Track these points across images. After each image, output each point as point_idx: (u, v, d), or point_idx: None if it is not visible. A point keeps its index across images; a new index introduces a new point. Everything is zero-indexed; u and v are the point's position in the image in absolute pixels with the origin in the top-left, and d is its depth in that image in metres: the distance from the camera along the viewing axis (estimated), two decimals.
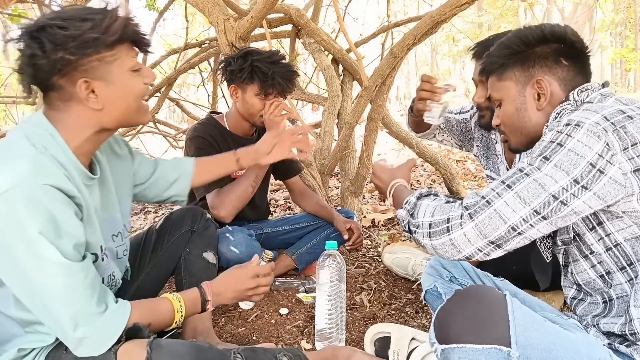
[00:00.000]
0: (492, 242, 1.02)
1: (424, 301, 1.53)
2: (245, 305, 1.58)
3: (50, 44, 1.05)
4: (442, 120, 1.80)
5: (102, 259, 1.22)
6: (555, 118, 1.14)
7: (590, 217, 1.05)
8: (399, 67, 2.54)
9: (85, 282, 1.05)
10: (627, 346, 1.02)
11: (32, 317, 1.09)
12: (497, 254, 1.05)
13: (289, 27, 3.40)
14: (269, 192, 4.02)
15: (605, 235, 1.05)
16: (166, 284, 1.91)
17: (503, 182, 1.03)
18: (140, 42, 1.18)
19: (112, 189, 1.32)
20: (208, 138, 2.03)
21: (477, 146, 2.08)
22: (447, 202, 1.12)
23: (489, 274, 1.47)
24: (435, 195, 1.19)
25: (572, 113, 1.06)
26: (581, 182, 0.96)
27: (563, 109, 1.14)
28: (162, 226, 1.63)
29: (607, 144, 0.96)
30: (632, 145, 0.97)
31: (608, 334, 1.07)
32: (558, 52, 1.15)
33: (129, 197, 1.42)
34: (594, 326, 1.11)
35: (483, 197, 1.04)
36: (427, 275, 1.54)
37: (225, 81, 2.09)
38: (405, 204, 1.18)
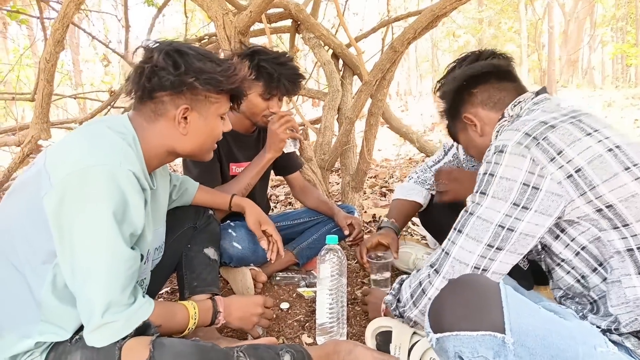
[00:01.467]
0: None
1: None
2: (251, 338, 1.58)
3: (185, 68, 1.20)
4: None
5: (145, 262, 1.29)
6: (496, 137, 1.24)
7: (552, 227, 1.07)
8: (399, 61, 2.53)
9: (128, 271, 1.10)
10: (618, 335, 1.03)
11: (57, 305, 1.10)
12: None
13: (288, 23, 3.38)
14: (269, 188, 4.02)
15: (571, 241, 1.07)
16: (167, 281, 1.92)
17: (455, 228, 1.10)
18: (236, 99, 1.37)
19: (160, 203, 1.42)
20: None
21: None
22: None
23: None
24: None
25: (500, 134, 1.17)
26: (520, 203, 1.01)
27: (501, 126, 1.24)
28: (165, 223, 1.63)
29: (533, 160, 1.01)
30: (558, 154, 1.01)
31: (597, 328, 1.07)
32: (466, 87, 1.32)
33: (166, 210, 1.51)
34: (586, 319, 1.11)
35: (442, 250, 1.12)
36: None
37: None
38: (391, 290, 1.29)
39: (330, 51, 3.20)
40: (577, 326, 0.97)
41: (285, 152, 1.91)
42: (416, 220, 2.69)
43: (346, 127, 2.75)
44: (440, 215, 2.07)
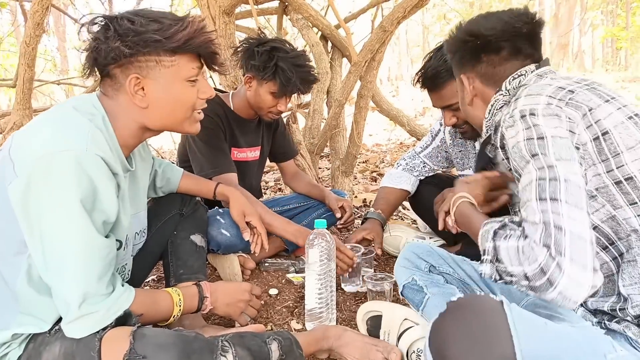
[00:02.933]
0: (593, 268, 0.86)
1: (401, 296, 1.41)
2: (238, 326, 1.54)
3: (114, 33, 1.08)
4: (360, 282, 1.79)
5: (124, 249, 1.23)
6: (490, 111, 1.20)
7: None
8: (388, 41, 2.48)
9: (104, 260, 1.05)
10: (618, 322, 0.99)
11: (34, 296, 1.06)
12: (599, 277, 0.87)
13: (276, 4, 3.31)
14: None
15: None
16: (152, 269, 1.88)
17: (541, 198, 0.90)
18: (207, 58, 1.21)
19: (140, 186, 1.35)
20: (215, 117, 1.99)
21: (454, 158, 2.03)
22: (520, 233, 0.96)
23: (466, 258, 1.40)
24: (503, 225, 1.01)
25: (516, 102, 1.05)
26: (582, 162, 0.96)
27: (495, 100, 1.18)
28: (151, 209, 1.58)
29: (569, 118, 0.97)
30: (589, 111, 0.98)
31: (595, 312, 1.04)
32: (475, 49, 1.19)
33: (146, 193, 1.45)
34: (582, 305, 1.07)
35: (546, 225, 0.88)
36: (401, 268, 1.41)
37: (241, 68, 2.03)
38: (484, 254, 1.00)
39: (319, 33, 3.13)
40: (583, 335, 0.92)
41: (347, 291, 1.78)
42: (407, 204, 2.66)
43: (335, 110, 2.70)
44: (430, 199, 2.03)
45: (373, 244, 1.96)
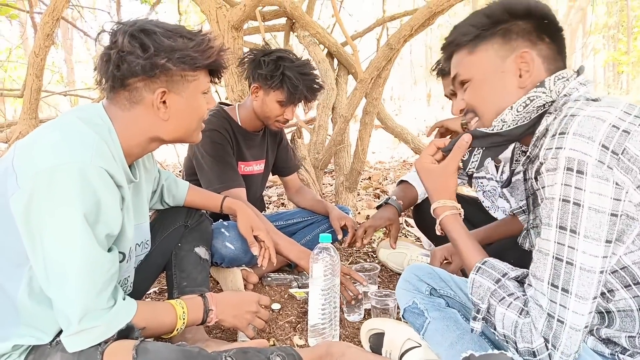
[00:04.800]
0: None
1: (402, 319, 1.38)
2: (244, 338, 1.51)
3: (154, 49, 1.09)
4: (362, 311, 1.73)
5: (127, 261, 1.22)
6: (526, 106, 1.03)
7: None
8: (395, 59, 2.49)
9: (105, 275, 1.04)
10: (631, 356, 0.97)
11: (35, 308, 1.05)
12: None
13: (283, 21, 3.35)
14: None
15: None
16: (155, 280, 1.86)
17: (553, 284, 0.90)
18: (217, 72, 1.27)
19: (144, 197, 1.34)
20: (223, 132, 2.00)
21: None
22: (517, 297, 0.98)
23: (468, 279, 1.38)
24: (497, 281, 1.01)
25: (564, 139, 0.90)
26: (612, 239, 0.88)
27: (536, 96, 1.03)
28: (156, 221, 1.58)
29: (617, 184, 0.87)
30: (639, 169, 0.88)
31: (607, 342, 1.01)
32: (541, 28, 1.04)
33: (148, 203, 1.44)
34: (591, 333, 1.04)
35: (550, 315, 0.91)
36: (402, 291, 1.37)
37: (247, 78, 2.05)
38: (477, 312, 1.02)
39: (325, 50, 3.16)
40: None
41: (350, 320, 1.73)
42: (411, 221, 2.65)
43: (340, 125, 2.71)
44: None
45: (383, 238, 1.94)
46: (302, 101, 2.00)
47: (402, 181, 2.10)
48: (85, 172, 0.99)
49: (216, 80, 1.29)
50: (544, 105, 1.03)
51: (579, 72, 1.06)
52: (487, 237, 1.71)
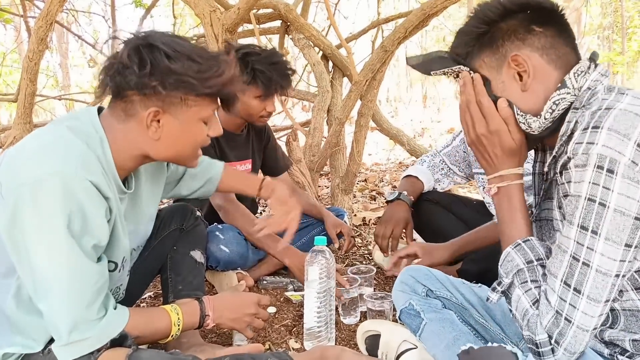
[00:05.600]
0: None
1: (399, 321, 1.38)
2: (240, 342, 1.51)
3: (150, 68, 1.04)
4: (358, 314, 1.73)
5: (119, 270, 1.20)
6: (553, 112, 0.96)
7: None
8: (389, 61, 2.50)
9: (94, 287, 1.03)
10: (630, 357, 0.96)
11: (24, 318, 1.05)
12: None
13: (278, 24, 3.35)
14: None
15: (628, 261, 0.92)
16: (150, 284, 1.85)
17: (567, 282, 0.89)
18: (226, 101, 1.19)
19: (142, 203, 1.31)
20: None
21: (472, 158, 2.04)
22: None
23: (465, 281, 1.36)
24: (529, 262, 0.97)
25: (598, 134, 0.85)
26: (633, 244, 0.86)
27: (561, 99, 0.96)
28: None
29: None
30: None
31: (608, 343, 0.99)
32: (526, 20, 0.98)
33: (156, 206, 1.41)
34: (594, 335, 1.02)
35: (559, 314, 0.90)
36: (398, 292, 1.37)
37: None
38: (499, 284, 1.00)
39: (320, 52, 3.17)
40: None
41: (347, 323, 1.73)
42: None
43: (336, 128, 2.71)
44: (430, 216, 2.04)
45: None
46: (281, 92, 1.96)
47: (407, 175, 2.11)
48: (68, 184, 0.97)
49: (226, 109, 1.23)
50: (574, 109, 0.96)
51: (593, 59, 0.99)
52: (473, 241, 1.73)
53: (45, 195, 0.95)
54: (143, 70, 1.04)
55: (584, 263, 0.87)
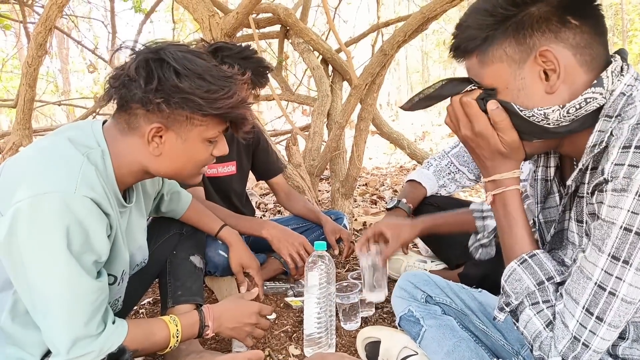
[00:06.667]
0: None
1: (398, 327, 1.37)
2: (239, 348, 1.49)
3: (156, 84, 1.02)
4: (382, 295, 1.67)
5: (118, 284, 1.19)
6: (580, 108, 0.84)
7: None
8: (388, 65, 2.49)
9: (93, 304, 1.01)
10: None
11: (20, 331, 1.03)
12: None
13: (277, 28, 3.35)
14: (257, 196, 3.95)
15: None
16: (149, 290, 1.84)
17: (589, 310, 0.83)
18: (237, 125, 1.16)
19: (143, 216, 1.31)
20: None
21: None
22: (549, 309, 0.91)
23: (465, 286, 1.35)
24: (541, 283, 0.92)
25: (636, 137, 0.78)
26: None
27: (593, 97, 0.84)
28: (150, 228, 1.55)
29: None
30: None
31: (615, 357, 0.96)
32: (562, 8, 0.83)
33: (145, 219, 1.40)
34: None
35: (576, 339, 0.85)
36: (398, 298, 1.36)
37: None
38: (506, 305, 0.95)
39: (320, 56, 3.16)
40: None
41: (347, 329, 1.70)
42: None
43: (336, 132, 2.70)
44: None
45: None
46: (253, 87, 1.91)
47: (410, 180, 2.08)
48: (68, 202, 0.95)
49: (237, 133, 1.18)
50: (607, 118, 0.85)
51: (624, 58, 0.88)
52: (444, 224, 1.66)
53: (44, 212, 0.93)
54: (149, 86, 1.02)
55: (610, 292, 0.81)
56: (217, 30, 2.25)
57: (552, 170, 1.05)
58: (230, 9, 2.79)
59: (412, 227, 1.62)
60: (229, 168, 2.15)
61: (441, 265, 2.05)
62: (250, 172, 2.30)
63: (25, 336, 1.04)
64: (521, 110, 0.87)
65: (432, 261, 2.10)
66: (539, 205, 1.09)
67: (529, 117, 0.87)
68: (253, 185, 4.42)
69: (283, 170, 2.37)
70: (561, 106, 0.85)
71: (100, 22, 4.50)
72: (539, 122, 0.87)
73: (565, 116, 0.85)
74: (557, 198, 1.06)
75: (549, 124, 0.87)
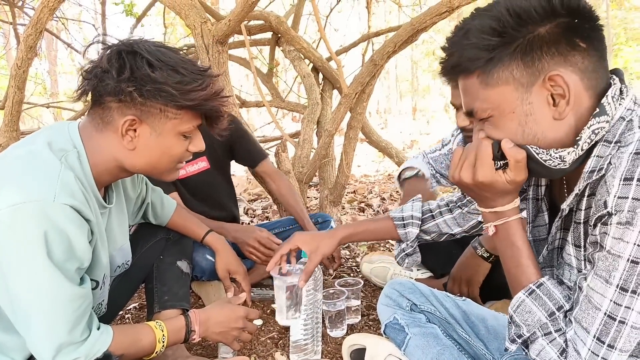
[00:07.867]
0: None
1: (383, 335, 1.37)
2: (225, 354, 1.49)
3: (129, 74, 1.02)
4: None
5: (100, 288, 1.19)
6: (591, 142, 0.82)
7: None
8: (378, 75, 2.52)
9: (77, 311, 1.01)
10: None
11: (4, 337, 1.03)
12: None
13: (269, 35, 3.37)
14: (246, 202, 3.96)
15: None
16: (135, 295, 1.84)
17: (599, 338, 0.83)
18: (212, 120, 1.16)
19: (124, 218, 1.30)
20: None
21: None
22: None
23: (449, 294, 1.36)
24: (551, 314, 0.90)
25: (624, 164, 0.76)
26: None
27: (600, 128, 0.81)
28: (136, 233, 1.56)
29: None
30: None
31: None
32: (571, 30, 0.80)
33: (127, 222, 1.39)
34: None
35: None
36: (383, 306, 1.36)
37: None
38: (518, 337, 0.93)
39: (310, 65, 3.19)
40: None
41: (333, 336, 1.70)
42: None
43: (325, 140, 2.72)
44: None
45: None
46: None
47: (404, 178, 2.08)
48: (48, 211, 0.94)
49: (213, 128, 1.18)
50: (607, 143, 0.82)
51: (621, 79, 0.86)
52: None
53: (23, 223, 0.92)
54: (121, 76, 1.02)
55: (620, 321, 0.81)
56: (208, 37, 2.27)
57: (542, 189, 1.05)
58: (222, 16, 2.80)
59: (331, 238, 1.47)
60: (200, 165, 2.12)
61: (427, 274, 2.07)
62: (230, 165, 2.27)
63: (8, 341, 1.03)
64: (537, 154, 0.85)
65: (418, 269, 2.12)
66: (530, 224, 1.09)
67: (545, 160, 0.85)
68: (242, 191, 4.42)
69: (267, 157, 2.32)
70: (575, 146, 0.83)
71: (91, 25, 4.48)
72: (555, 166, 0.86)
73: (580, 153, 0.84)
74: (546, 217, 1.05)
75: (565, 166, 0.85)
